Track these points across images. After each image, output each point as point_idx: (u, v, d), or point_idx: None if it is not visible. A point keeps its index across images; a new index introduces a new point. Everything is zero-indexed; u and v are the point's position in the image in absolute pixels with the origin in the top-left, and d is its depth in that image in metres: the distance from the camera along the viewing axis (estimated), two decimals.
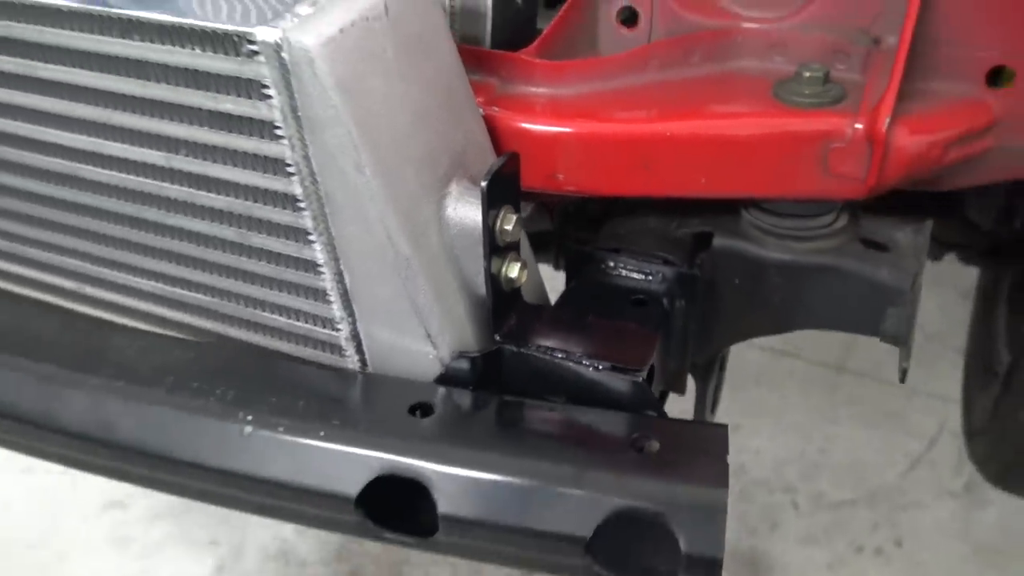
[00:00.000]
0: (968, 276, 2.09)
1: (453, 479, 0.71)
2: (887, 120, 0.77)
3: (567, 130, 0.83)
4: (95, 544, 2.07)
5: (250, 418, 0.76)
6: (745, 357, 2.41)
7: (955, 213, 1.37)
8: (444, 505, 0.71)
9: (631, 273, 0.89)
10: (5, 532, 2.09)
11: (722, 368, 1.08)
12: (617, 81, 0.87)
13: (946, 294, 2.50)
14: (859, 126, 0.78)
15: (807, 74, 0.82)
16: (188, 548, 2.07)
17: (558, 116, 0.83)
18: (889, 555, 2.01)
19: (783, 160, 0.81)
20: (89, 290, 0.92)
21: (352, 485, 0.72)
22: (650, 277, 0.89)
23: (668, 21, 0.92)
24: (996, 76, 0.83)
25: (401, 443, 0.74)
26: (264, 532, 2.09)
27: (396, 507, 0.75)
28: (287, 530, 2.09)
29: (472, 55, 0.82)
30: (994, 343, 1.57)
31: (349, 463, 0.73)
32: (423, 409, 0.76)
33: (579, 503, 0.70)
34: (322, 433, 0.74)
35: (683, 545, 0.68)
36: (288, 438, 0.75)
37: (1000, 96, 0.83)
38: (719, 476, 0.70)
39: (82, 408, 0.79)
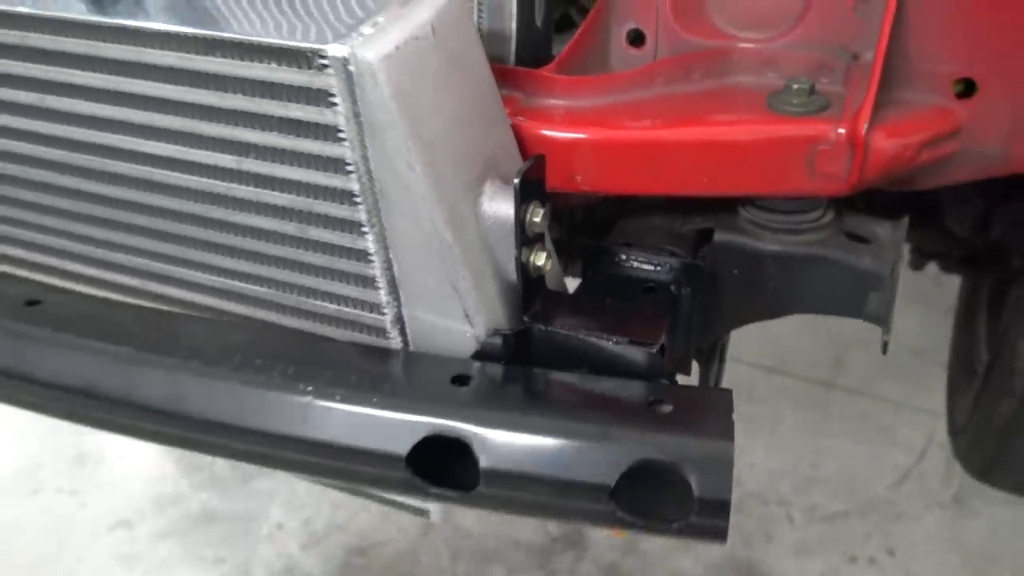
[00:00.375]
0: (950, 297, 2.24)
1: (492, 438, 0.84)
2: (866, 125, 0.91)
3: (584, 137, 0.97)
4: (103, 563, 2.17)
5: (310, 389, 0.89)
6: (738, 374, 2.55)
7: (934, 224, 1.52)
8: (485, 460, 0.84)
9: (642, 265, 1.03)
10: (15, 553, 2.19)
11: (722, 359, 1.22)
12: (627, 94, 1.01)
13: (931, 315, 2.65)
14: (842, 131, 0.92)
15: (795, 86, 0.96)
16: (194, 566, 2.17)
17: (576, 125, 0.97)
18: (882, 564, 2.14)
19: (775, 161, 0.95)
20: (153, 287, 1.05)
21: (402, 446, 0.85)
22: (658, 268, 1.03)
23: (672, 41, 1.07)
24: (961, 87, 0.98)
25: (445, 408, 0.86)
26: (270, 549, 2.20)
27: (439, 471, 0.88)
28: (293, 547, 2.20)
29: (499, 72, 0.96)
30: (975, 346, 1.71)
31: (399, 427, 0.86)
32: (463, 379, 0.89)
33: (604, 455, 0.83)
34: (375, 400, 0.88)
35: (695, 490, 0.81)
36: (344, 406, 0.88)
37: (965, 105, 0.98)
38: (725, 431, 0.84)
39: (161, 385, 0.92)
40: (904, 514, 2.24)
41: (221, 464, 2.38)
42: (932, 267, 1.98)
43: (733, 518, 2.28)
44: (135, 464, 2.40)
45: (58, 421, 2.39)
